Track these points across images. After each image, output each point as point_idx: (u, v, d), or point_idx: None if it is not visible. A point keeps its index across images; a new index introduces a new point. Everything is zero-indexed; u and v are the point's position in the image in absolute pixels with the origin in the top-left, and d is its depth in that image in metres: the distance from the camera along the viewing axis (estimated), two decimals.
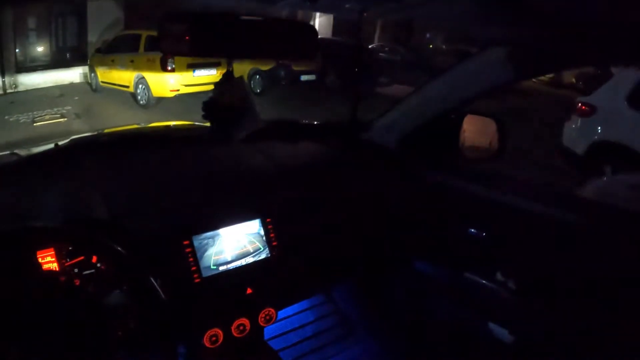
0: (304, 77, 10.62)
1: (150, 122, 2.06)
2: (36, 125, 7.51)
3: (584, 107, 5.41)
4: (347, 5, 1.56)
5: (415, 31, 18.77)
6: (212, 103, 1.18)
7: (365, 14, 1.69)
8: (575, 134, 5.55)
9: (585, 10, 0.82)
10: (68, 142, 1.31)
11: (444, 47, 17.84)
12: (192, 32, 0.97)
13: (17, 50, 11.46)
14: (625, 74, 5.08)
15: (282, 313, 1.70)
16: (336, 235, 1.41)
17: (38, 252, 0.92)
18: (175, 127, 1.85)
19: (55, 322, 0.87)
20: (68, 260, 0.93)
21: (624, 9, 0.75)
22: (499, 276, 1.39)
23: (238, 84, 1.19)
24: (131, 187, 1.16)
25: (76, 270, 0.94)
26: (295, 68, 10.13)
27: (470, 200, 1.47)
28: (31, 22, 11.86)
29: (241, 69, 10.23)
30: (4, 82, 10.57)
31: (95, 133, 1.59)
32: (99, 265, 0.95)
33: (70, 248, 0.94)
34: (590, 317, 1.20)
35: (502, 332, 1.41)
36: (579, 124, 5.50)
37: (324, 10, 1.15)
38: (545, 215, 1.30)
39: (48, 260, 0.92)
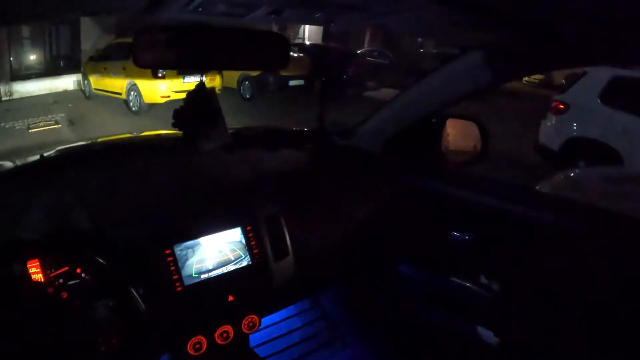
0: (292, 82, 10.66)
1: (142, 128, 2.13)
2: (31, 132, 7.63)
3: (559, 105, 5.52)
4: (314, 16, 1.68)
5: (406, 35, 18.81)
6: (182, 112, 1.19)
7: (332, 24, 1.80)
8: (551, 131, 5.66)
9: (555, 11, 0.83)
10: (53, 153, 1.31)
11: (434, 51, 17.90)
12: (164, 45, 1.00)
13: (11, 59, 11.56)
14: (597, 72, 5.18)
15: (269, 319, 1.74)
16: (318, 241, 1.39)
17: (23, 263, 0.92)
18: (165, 136, 1.83)
19: (40, 334, 0.88)
20: (53, 270, 0.93)
21: (597, 10, 0.77)
22: (482, 279, 1.40)
23: (210, 95, 1.20)
24: (114, 198, 1.15)
25: (61, 280, 0.93)
26: (283, 73, 10.12)
27: (453, 203, 1.47)
28: (25, 31, 11.96)
29: (231, 74, 10.34)
30: None
31: (80, 143, 1.59)
32: (83, 275, 0.95)
33: (53, 259, 0.93)
34: (573, 318, 1.21)
35: (487, 334, 1.42)
36: (553, 121, 5.62)
37: (291, 21, 1.22)
38: (527, 217, 1.30)
39: (33, 272, 0.92)
